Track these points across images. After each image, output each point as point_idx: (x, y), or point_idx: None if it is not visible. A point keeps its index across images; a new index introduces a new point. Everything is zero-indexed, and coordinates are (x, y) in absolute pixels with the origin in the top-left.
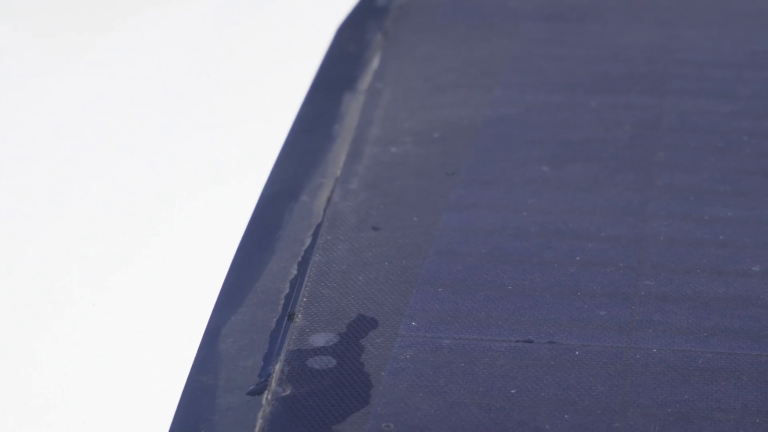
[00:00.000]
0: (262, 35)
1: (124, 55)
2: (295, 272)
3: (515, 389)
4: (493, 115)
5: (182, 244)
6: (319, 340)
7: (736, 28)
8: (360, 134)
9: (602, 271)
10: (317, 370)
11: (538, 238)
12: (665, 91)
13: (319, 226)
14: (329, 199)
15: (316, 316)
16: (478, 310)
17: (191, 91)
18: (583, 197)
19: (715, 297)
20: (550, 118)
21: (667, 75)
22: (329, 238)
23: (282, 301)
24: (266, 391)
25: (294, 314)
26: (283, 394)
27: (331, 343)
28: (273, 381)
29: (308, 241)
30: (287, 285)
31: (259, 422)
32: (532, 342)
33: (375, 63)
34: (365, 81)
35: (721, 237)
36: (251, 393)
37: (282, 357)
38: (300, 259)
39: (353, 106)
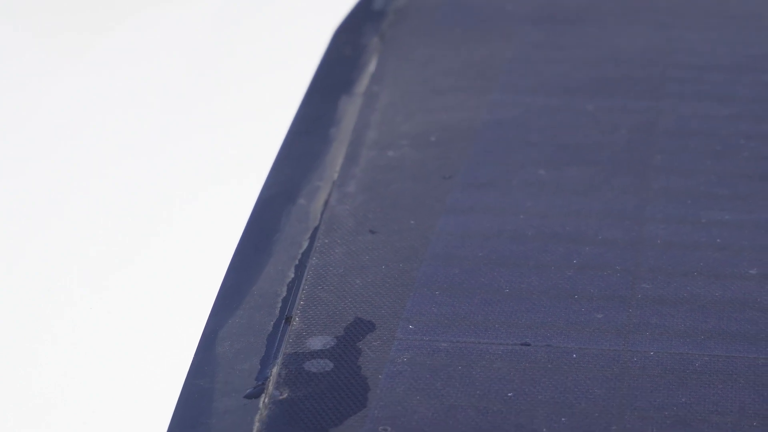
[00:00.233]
0: (259, 38)
1: (124, 55)
2: (292, 275)
3: (512, 392)
4: (491, 118)
5: (179, 247)
6: (316, 343)
7: (734, 32)
8: (357, 137)
9: (599, 275)
10: (314, 374)
11: (535, 242)
12: (662, 95)
13: (316, 229)
14: (326, 203)
15: (313, 320)
16: (475, 313)
17: (189, 94)
18: (580, 200)
19: (712, 300)
20: (547, 122)
21: (664, 78)
22: (326, 241)
23: (279, 305)
24: (263, 395)
25: (291, 317)
26: (281, 397)
27: (328, 347)
28: (270, 384)
29: (305, 244)
30: (284, 288)
31: (256, 425)
32: (529, 345)
33: (372, 66)
34: (362, 84)
35: (718, 240)
36: (248, 396)
37: (279, 360)
38: (297, 262)
39: (350, 109)
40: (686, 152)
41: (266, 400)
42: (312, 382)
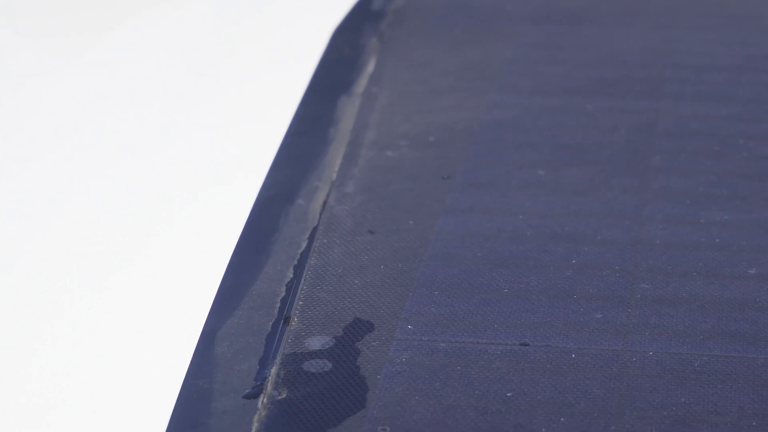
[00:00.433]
0: (258, 38)
1: (124, 55)
2: (291, 275)
3: (511, 392)
4: (490, 118)
5: (178, 247)
6: (315, 343)
7: (732, 32)
8: (356, 138)
9: (598, 275)
10: (313, 374)
11: (534, 242)
12: (661, 95)
13: (314, 229)
14: (325, 203)
15: (311, 320)
16: (474, 313)
17: (188, 93)
18: (579, 201)
19: (711, 300)
20: (547, 122)
21: (663, 79)
22: (325, 241)
23: (278, 305)
24: (262, 395)
25: (290, 317)
26: (279, 397)
27: (327, 347)
28: (269, 384)
29: (304, 245)
30: (283, 288)
31: (255, 426)
32: (528, 345)
33: (371, 66)
34: (361, 84)
35: (717, 240)
36: (247, 396)
37: (278, 360)
38: (296, 262)
39: (349, 110)
40: (685, 152)
41: (265, 400)
42: (311, 383)
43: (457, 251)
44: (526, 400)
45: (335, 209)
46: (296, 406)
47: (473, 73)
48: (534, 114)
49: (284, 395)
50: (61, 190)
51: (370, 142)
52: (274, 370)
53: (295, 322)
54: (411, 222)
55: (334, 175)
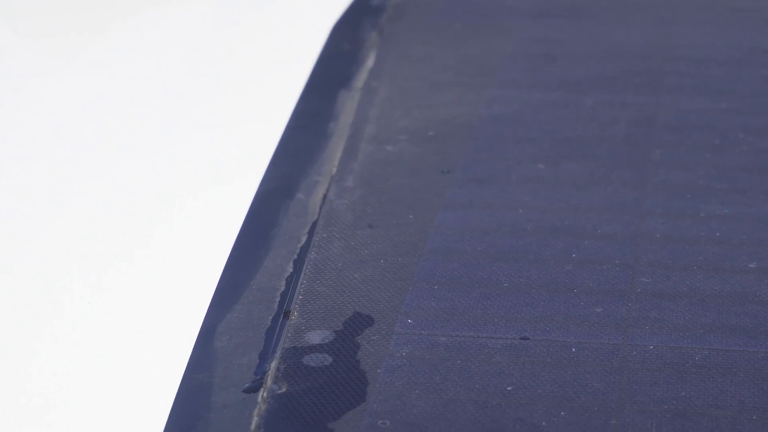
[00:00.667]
0: (257, 33)
1: (124, 54)
2: (291, 270)
3: (512, 386)
4: (489, 113)
5: (178, 242)
6: (315, 337)
7: (732, 26)
8: (355, 132)
9: (598, 269)
10: (313, 368)
11: (534, 236)
12: (661, 89)
13: (314, 223)
14: (325, 197)
15: (311, 314)
16: (474, 307)
17: (188, 89)
18: (579, 195)
19: (711, 294)
20: (546, 116)
21: (663, 72)
22: (325, 235)
23: (278, 299)
24: (262, 389)
25: (290, 312)
26: (279, 391)
27: (326, 341)
28: (269, 378)
29: (304, 239)
30: (283, 282)
31: (255, 420)
32: (528, 339)
33: (370, 61)
34: (360, 79)
35: (717, 234)
36: (247, 390)
37: (278, 354)
38: (296, 256)
39: (348, 105)
40: (685, 146)
41: (265, 394)
42: (311, 377)
43: (457, 245)
44: (527, 394)
45: (335, 203)
46: (296, 400)
47: (473, 67)
48: (534, 108)
49: (284, 389)
50: (61, 190)
51: (370, 137)
52: (274, 365)
53: (295, 316)
54: (411, 216)
55: (334, 170)
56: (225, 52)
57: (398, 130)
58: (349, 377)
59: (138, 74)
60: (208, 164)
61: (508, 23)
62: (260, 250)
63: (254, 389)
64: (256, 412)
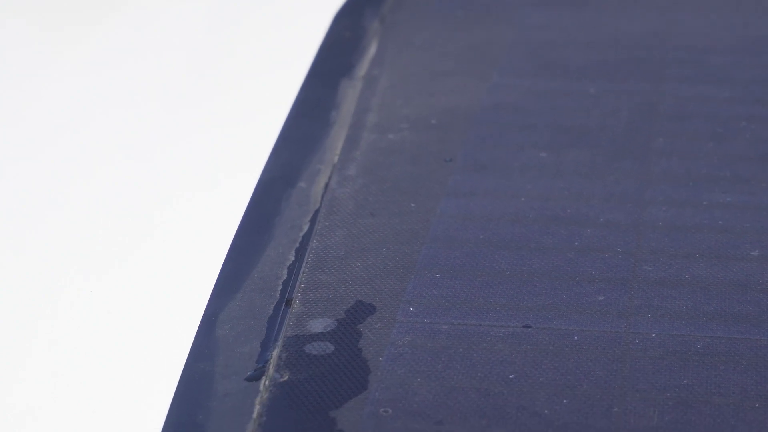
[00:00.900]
0: (259, 22)
1: (125, 41)
2: (293, 258)
3: (514, 374)
4: (491, 101)
5: (180, 231)
6: (317, 326)
7: (734, 14)
8: (357, 121)
9: (601, 257)
10: (315, 356)
11: (537, 224)
12: (663, 77)
13: (316, 212)
14: (327, 186)
15: (313, 302)
16: (477, 295)
17: (189, 79)
18: (582, 183)
19: (714, 282)
20: (548, 105)
21: (665, 61)
22: (327, 224)
23: (280, 288)
24: (264, 377)
25: (292, 300)
26: (281, 379)
27: (329, 329)
28: (271, 367)
29: (306, 228)
30: (285, 271)
31: (257, 408)
32: (530, 327)
33: (372, 50)
34: (362, 68)
35: (719, 222)
36: (249, 379)
37: (280, 343)
38: (298, 245)
39: (350, 93)
40: (687, 135)
41: (267, 382)
42: (312, 365)
43: (459, 234)
44: (529, 382)
45: (337, 192)
46: (298, 389)
47: (475, 56)
48: (536, 97)
49: (286, 377)
50: (63, 180)
51: (372, 125)
52: (275, 353)
53: (296, 304)
54: (413, 204)
55: (336, 158)
56: (227, 41)
57: (400, 118)
58: (351, 365)
59: (140, 63)
60: (210, 153)
61: (510, 11)
62: (262, 239)
63: (256, 377)
64: (258, 400)
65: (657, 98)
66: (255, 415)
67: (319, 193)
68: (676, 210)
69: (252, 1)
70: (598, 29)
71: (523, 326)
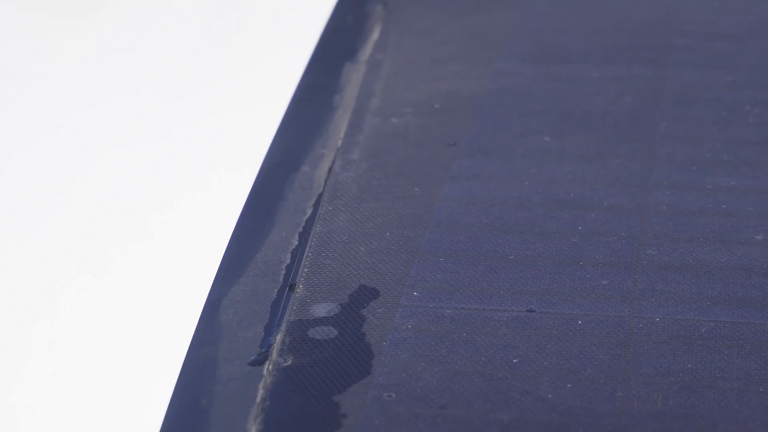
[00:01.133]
0: (262, 7)
1: (126, 27)
2: (296, 243)
3: (517, 359)
4: (494, 86)
5: (184, 216)
6: (321, 310)
7: None
8: (360, 105)
9: (604, 241)
10: (318, 341)
11: (540, 208)
12: (667, 62)
13: (320, 196)
14: (330, 170)
15: (317, 287)
16: (480, 280)
17: (192, 63)
18: (585, 167)
19: (718, 266)
20: (551, 90)
21: (669, 46)
22: (330, 208)
23: (283, 272)
24: (267, 362)
25: (295, 285)
26: (285, 364)
27: (332, 314)
28: (274, 351)
29: (309, 212)
30: (288, 255)
31: (261, 393)
32: (534, 311)
33: (375, 34)
34: (366, 52)
35: (723, 206)
36: (252, 363)
37: (283, 327)
38: (301, 229)
39: (354, 78)
40: (691, 119)
41: (270, 367)
42: (316, 349)
43: (463, 218)
44: (533, 367)
45: (340, 176)
46: (302, 373)
47: (478, 40)
48: (539, 81)
49: (290, 362)
50: (64, 171)
51: (375, 110)
52: (279, 338)
53: (300, 289)
54: (416, 189)
55: (339, 143)
56: (230, 27)
57: (403, 102)
58: (354, 350)
59: (143, 47)
60: (213, 138)
61: None
62: (265, 223)
63: (260, 362)
64: (261, 385)
65: (660, 83)
66: (258, 399)
67: (323, 177)
68: (680, 194)
69: None
70: (601, 14)
71: (527, 310)
